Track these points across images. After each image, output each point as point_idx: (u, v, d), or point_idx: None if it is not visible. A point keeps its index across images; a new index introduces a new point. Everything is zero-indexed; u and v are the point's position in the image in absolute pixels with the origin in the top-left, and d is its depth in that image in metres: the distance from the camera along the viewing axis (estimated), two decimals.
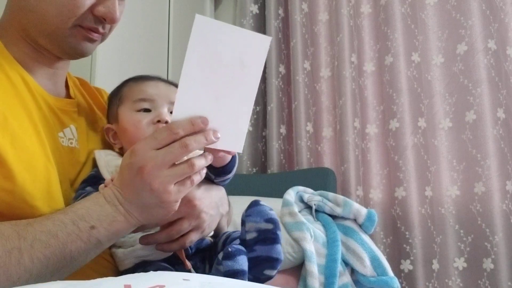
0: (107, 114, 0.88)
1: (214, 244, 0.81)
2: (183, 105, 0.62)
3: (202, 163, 0.63)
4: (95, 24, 0.74)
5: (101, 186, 0.67)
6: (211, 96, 0.63)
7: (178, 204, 0.64)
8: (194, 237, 0.74)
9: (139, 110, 0.79)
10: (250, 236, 0.71)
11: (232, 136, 0.65)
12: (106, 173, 0.77)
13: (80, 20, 0.72)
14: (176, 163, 0.62)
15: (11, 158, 0.62)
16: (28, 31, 0.75)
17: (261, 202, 0.74)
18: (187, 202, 0.72)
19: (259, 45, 0.65)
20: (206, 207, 0.75)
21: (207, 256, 0.80)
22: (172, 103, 0.80)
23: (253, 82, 0.65)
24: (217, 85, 0.63)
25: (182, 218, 0.73)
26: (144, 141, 0.62)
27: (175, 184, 0.62)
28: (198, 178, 0.64)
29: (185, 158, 0.63)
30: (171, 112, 0.80)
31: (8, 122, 0.64)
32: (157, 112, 0.79)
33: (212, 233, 0.82)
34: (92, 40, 0.76)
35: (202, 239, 0.78)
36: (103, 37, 0.79)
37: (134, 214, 0.63)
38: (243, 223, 0.73)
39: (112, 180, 0.66)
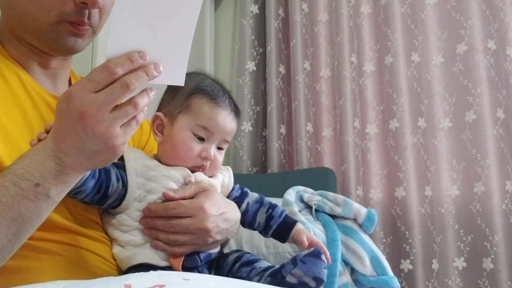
0: (162, 100, 0.84)
1: (222, 254, 0.83)
2: (118, 40, 0.57)
3: (145, 101, 0.59)
4: (79, 16, 0.71)
5: (32, 141, 0.62)
6: (147, 26, 0.59)
7: (125, 146, 0.60)
8: (188, 250, 0.76)
9: (195, 134, 0.79)
10: (290, 278, 0.70)
11: (172, 69, 0.61)
12: (131, 170, 0.77)
13: (63, 14, 0.70)
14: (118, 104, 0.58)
15: (3, 156, 0.62)
16: (16, 30, 0.74)
17: (323, 256, 0.73)
18: (201, 228, 0.74)
19: None
20: (216, 233, 0.76)
21: (214, 265, 0.82)
22: (225, 141, 0.82)
23: (192, 10, 0.61)
24: (153, 14, 0.58)
25: (190, 233, 0.74)
26: (80, 84, 0.57)
27: (120, 126, 0.58)
28: (142, 116, 0.60)
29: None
30: (218, 148, 0.82)
31: (0, 121, 0.64)
32: (207, 147, 0.79)
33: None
34: (78, 35, 0.73)
35: (211, 253, 0.80)
36: (94, 29, 0.76)
37: (81, 161, 0.59)
38: (294, 260, 0.72)
39: (46, 133, 0.61)
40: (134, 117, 0.59)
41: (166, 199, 0.76)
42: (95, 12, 0.73)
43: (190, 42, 0.62)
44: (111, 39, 0.57)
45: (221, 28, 2.23)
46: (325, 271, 0.71)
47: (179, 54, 0.62)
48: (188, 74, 0.85)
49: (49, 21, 0.70)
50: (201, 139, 0.79)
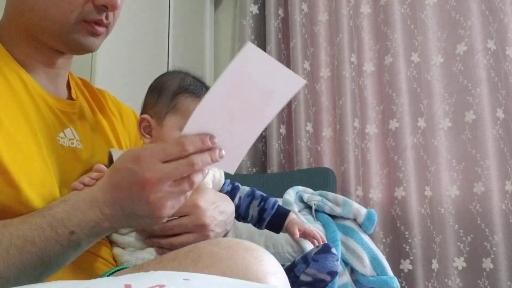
0: (146, 102, 0.85)
1: None
2: (198, 121, 0.61)
3: (199, 179, 0.62)
4: (98, 15, 0.73)
5: (77, 185, 0.64)
6: (227, 117, 0.63)
7: (166, 218, 0.63)
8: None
9: None
10: (304, 277, 0.72)
11: (231, 158, 0.65)
12: None
13: (83, 14, 0.71)
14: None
15: (7, 159, 0.62)
16: (30, 31, 0.74)
17: (333, 249, 0.75)
18: (200, 224, 0.75)
19: (292, 84, 0.66)
20: (215, 226, 0.77)
21: None
22: None
23: (271, 114, 0.67)
24: (236, 108, 0.64)
25: (191, 232, 0.75)
26: (153, 150, 0.60)
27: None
28: (190, 193, 0.64)
29: None
30: None
31: (3, 123, 0.64)
32: None
33: None
34: (96, 35, 0.75)
35: None
36: (108, 29, 0.78)
37: (120, 219, 0.61)
38: (305, 259, 0.74)
39: (95, 180, 0.63)
40: (184, 192, 0.62)
41: None
42: (112, 12, 0.76)
43: (254, 140, 0.68)
44: (193, 118, 0.61)
45: (221, 28, 2.23)
46: (338, 263, 0.74)
47: (242, 146, 0.67)
48: (168, 73, 0.87)
49: (69, 22, 0.71)
50: None
